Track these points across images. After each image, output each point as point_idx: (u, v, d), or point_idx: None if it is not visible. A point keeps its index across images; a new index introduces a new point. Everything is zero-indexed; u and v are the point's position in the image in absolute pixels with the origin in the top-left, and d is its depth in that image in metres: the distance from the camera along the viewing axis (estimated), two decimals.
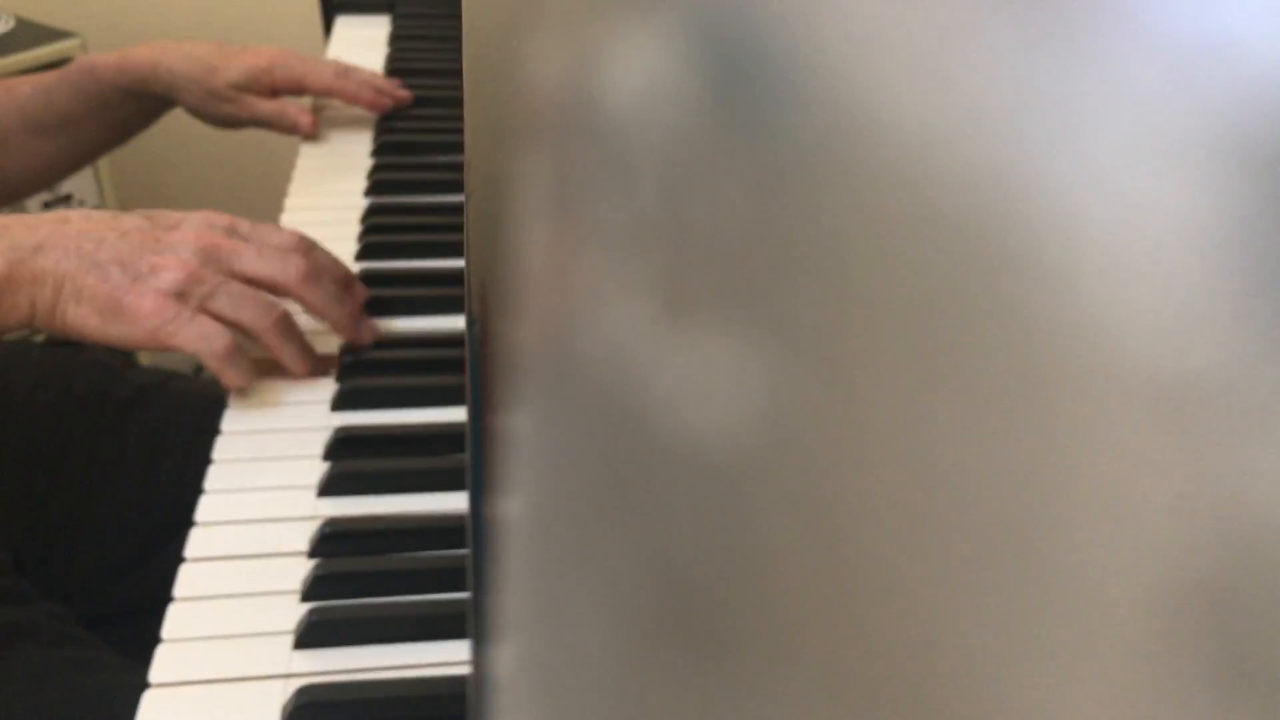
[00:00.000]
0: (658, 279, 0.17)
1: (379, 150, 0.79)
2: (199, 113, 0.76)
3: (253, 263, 0.53)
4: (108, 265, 0.50)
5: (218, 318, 0.51)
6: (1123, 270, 0.09)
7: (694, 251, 0.16)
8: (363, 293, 0.59)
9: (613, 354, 0.18)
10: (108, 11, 1.27)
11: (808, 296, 0.13)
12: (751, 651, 0.14)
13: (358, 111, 0.83)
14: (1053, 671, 0.10)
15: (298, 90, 0.79)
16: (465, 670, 0.41)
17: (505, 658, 0.22)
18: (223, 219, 0.55)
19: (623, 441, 0.18)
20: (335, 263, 0.57)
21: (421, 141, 0.80)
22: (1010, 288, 0.10)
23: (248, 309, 0.52)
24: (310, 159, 0.78)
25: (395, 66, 0.91)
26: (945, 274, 0.11)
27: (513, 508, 0.23)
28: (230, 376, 0.52)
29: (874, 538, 0.12)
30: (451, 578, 0.45)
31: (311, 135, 0.79)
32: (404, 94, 0.83)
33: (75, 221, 0.51)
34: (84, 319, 0.49)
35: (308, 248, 0.55)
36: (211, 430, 0.53)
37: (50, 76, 0.74)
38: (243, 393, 0.54)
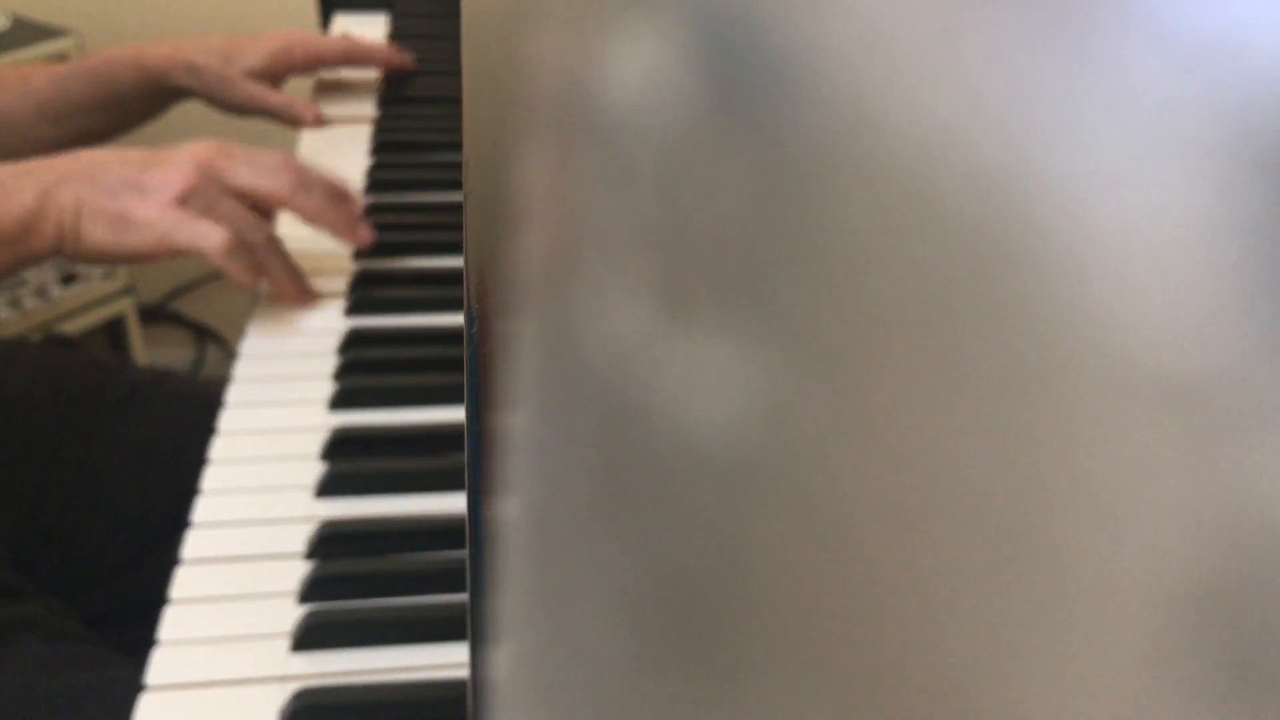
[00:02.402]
0: (658, 278, 0.17)
1: (377, 149, 0.79)
2: (215, 100, 0.79)
3: (247, 177, 0.58)
4: (116, 187, 0.56)
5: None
6: (1129, 268, 0.09)
7: (694, 250, 0.16)
8: (357, 202, 0.64)
9: (612, 353, 0.18)
10: (103, 9, 1.27)
11: (810, 295, 0.13)
12: (751, 653, 0.14)
13: (356, 109, 0.82)
14: (1057, 672, 0.10)
15: (317, 64, 0.83)
16: (464, 672, 0.41)
17: (504, 660, 0.22)
18: (215, 143, 0.59)
19: (622, 442, 0.18)
20: (324, 177, 0.62)
21: (420, 140, 0.80)
22: (1015, 286, 0.10)
23: (241, 224, 0.57)
24: (308, 157, 0.78)
25: None
26: (948, 272, 0.11)
27: (511, 508, 0.23)
28: (235, 270, 0.57)
29: (876, 538, 0.12)
30: (450, 579, 0.45)
31: (317, 125, 0.81)
32: (407, 56, 0.87)
33: (84, 157, 0.57)
34: (100, 236, 0.55)
35: (297, 162, 0.61)
36: (206, 430, 0.52)
37: (65, 68, 0.76)
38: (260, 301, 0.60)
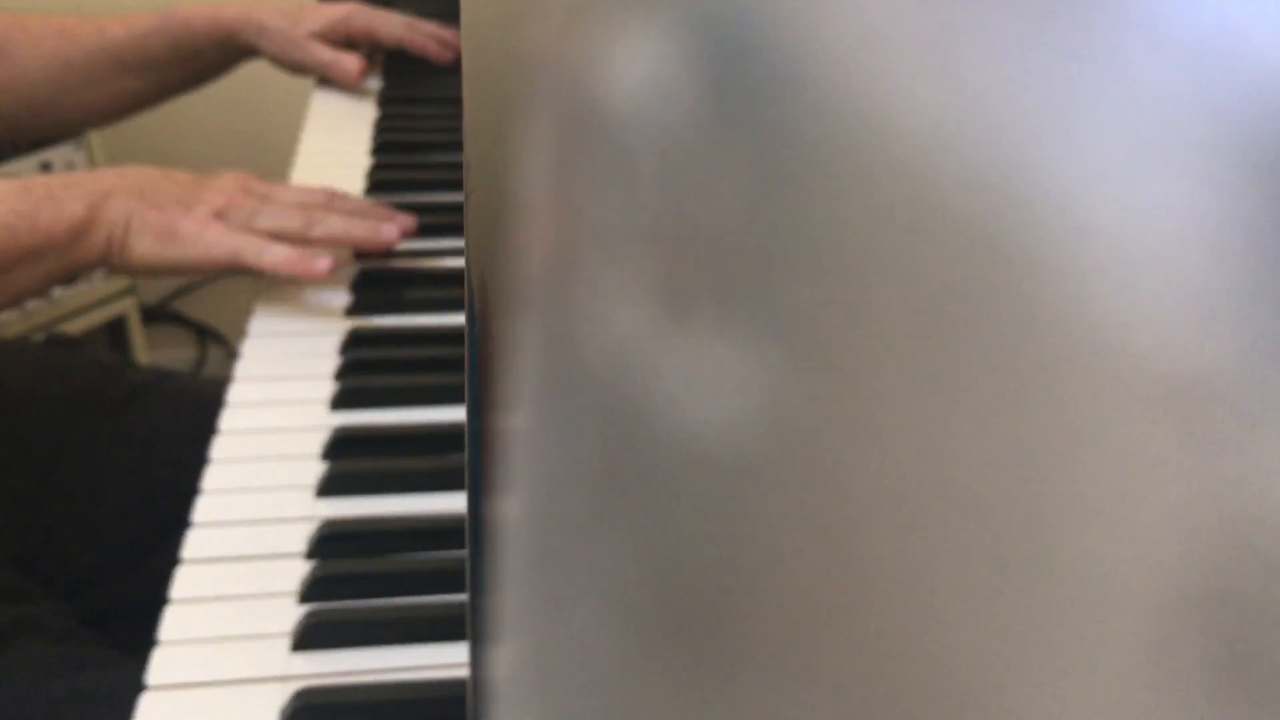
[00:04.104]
0: (658, 278, 0.17)
1: (378, 149, 0.79)
2: (277, 60, 0.84)
3: (284, 192, 0.62)
4: (164, 201, 0.58)
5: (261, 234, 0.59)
6: (1129, 269, 0.09)
7: (695, 250, 0.16)
8: (387, 212, 0.67)
9: (613, 353, 0.18)
10: (106, 11, 1.27)
11: (810, 295, 0.13)
12: (751, 652, 0.14)
13: (356, 110, 0.83)
14: (1057, 671, 0.10)
15: (371, 39, 0.88)
16: (464, 672, 0.41)
17: (504, 659, 0.22)
18: (252, 177, 0.63)
19: (622, 441, 0.18)
20: (358, 201, 0.66)
21: (421, 140, 0.80)
22: (1015, 286, 0.10)
23: (286, 219, 0.60)
24: (309, 158, 0.78)
25: (393, 64, 0.91)
26: (949, 273, 0.11)
27: (512, 508, 0.23)
28: (283, 269, 0.58)
29: (876, 538, 0.12)
30: (450, 579, 0.45)
31: (358, 82, 0.86)
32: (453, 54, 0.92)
33: (133, 173, 0.60)
34: (147, 248, 0.57)
35: (328, 199, 0.64)
36: (208, 430, 0.52)
37: (141, 22, 0.80)
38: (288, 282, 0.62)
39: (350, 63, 0.84)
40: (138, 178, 0.59)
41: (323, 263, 0.59)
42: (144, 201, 0.58)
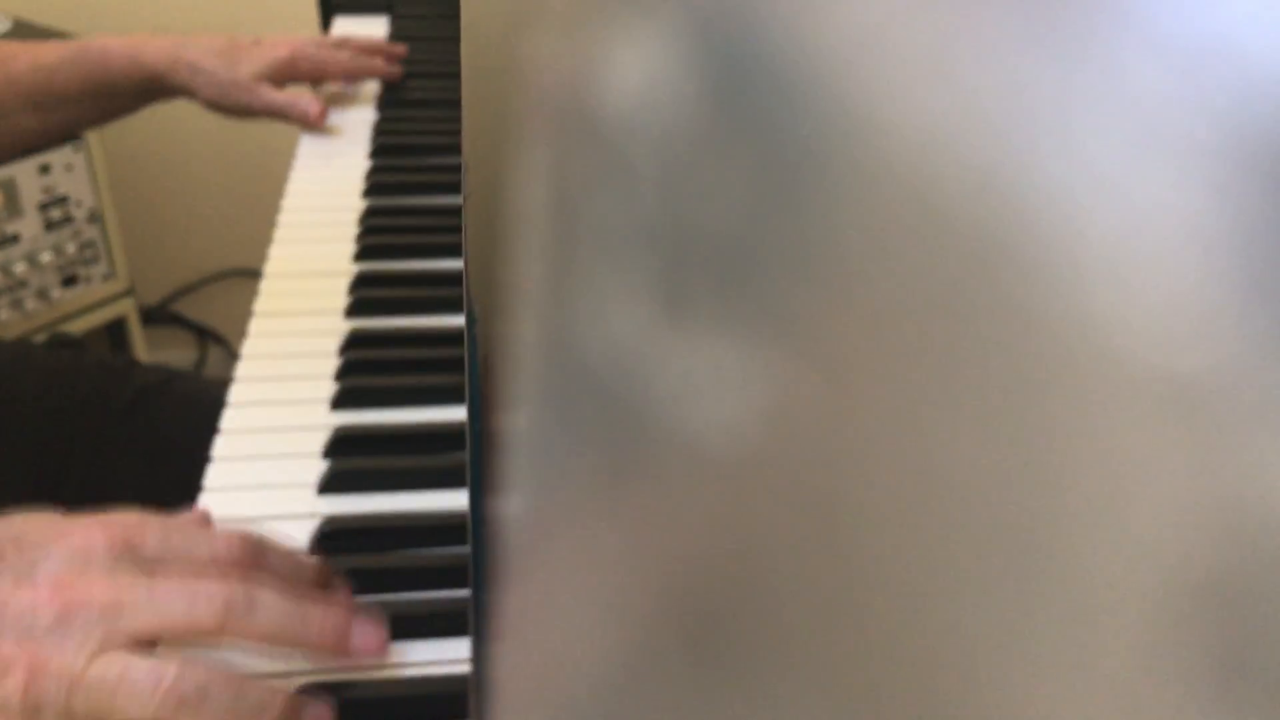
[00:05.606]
0: (658, 279, 0.17)
1: (377, 152, 0.79)
2: (215, 104, 0.77)
3: (152, 618, 0.35)
4: None
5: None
6: (1125, 270, 0.09)
7: (694, 251, 0.16)
8: (341, 596, 0.41)
9: (613, 353, 0.18)
10: (106, 12, 1.27)
11: (808, 296, 0.14)
12: (752, 651, 0.14)
13: (356, 114, 0.83)
14: (1054, 671, 0.10)
15: (321, 78, 0.82)
16: (466, 668, 0.41)
17: (506, 656, 0.22)
18: (116, 529, 0.37)
19: (623, 440, 0.18)
20: (294, 562, 0.41)
21: (419, 143, 0.81)
22: (1011, 288, 0.10)
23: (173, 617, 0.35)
24: (308, 161, 0.78)
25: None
26: (946, 274, 0.11)
27: (513, 506, 0.24)
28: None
29: (875, 537, 0.12)
30: (451, 576, 0.45)
31: (320, 125, 0.80)
32: (400, 49, 0.88)
33: None
34: None
35: (252, 557, 0.38)
36: (213, 429, 0.53)
37: (51, 54, 0.72)
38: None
39: (308, 104, 0.78)
40: None
41: None
42: None
